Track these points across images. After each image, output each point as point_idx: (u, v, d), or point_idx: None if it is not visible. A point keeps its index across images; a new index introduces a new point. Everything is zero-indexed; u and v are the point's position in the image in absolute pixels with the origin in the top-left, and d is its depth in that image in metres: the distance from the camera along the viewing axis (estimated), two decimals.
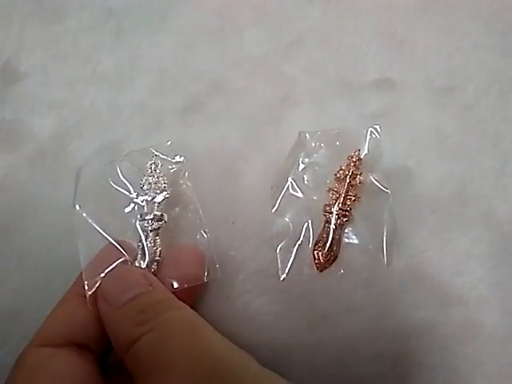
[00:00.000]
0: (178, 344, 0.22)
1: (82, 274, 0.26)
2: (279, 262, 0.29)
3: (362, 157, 0.31)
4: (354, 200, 0.30)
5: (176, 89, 0.36)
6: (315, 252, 0.29)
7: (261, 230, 0.31)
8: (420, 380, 0.28)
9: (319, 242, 0.30)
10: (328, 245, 0.29)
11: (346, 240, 0.30)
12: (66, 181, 0.33)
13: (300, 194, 0.31)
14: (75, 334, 0.25)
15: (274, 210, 0.31)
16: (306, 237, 0.30)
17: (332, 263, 0.29)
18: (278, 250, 0.30)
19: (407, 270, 0.30)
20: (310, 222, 0.30)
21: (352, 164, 0.30)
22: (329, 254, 0.29)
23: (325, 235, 0.30)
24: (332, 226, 0.30)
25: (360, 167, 0.31)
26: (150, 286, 0.25)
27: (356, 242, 0.30)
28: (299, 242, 0.30)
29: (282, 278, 0.29)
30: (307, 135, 0.32)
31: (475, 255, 0.30)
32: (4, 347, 0.29)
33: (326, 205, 0.30)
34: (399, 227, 0.30)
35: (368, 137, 0.31)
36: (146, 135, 0.34)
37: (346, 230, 0.30)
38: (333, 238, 0.29)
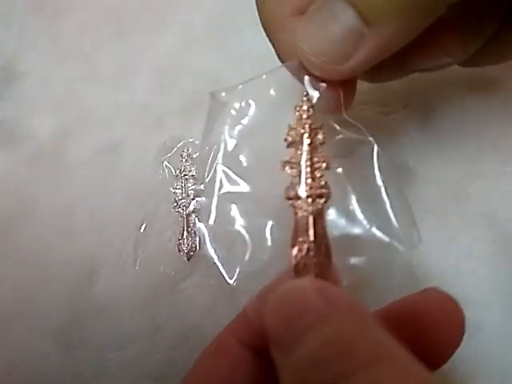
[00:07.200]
0: None
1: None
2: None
3: (314, 102, 0.20)
4: (326, 167, 0.19)
5: (176, 89, 0.36)
6: (300, 267, 0.18)
7: None
8: None
9: (298, 250, 0.19)
10: (313, 246, 0.18)
11: (334, 233, 0.19)
12: (66, 181, 0.33)
13: (242, 187, 0.21)
14: None
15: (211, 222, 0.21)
16: (273, 247, 0.20)
17: (327, 270, 0.19)
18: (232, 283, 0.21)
19: (407, 270, 0.29)
20: (269, 224, 0.21)
21: (305, 116, 0.20)
22: (320, 260, 0.19)
23: (301, 235, 0.19)
24: (310, 219, 0.19)
25: (318, 117, 0.20)
26: (332, 307, 0.14)
27: (350, 228, 0.20)
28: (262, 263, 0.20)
29: None
30: (223, 94, 0.22)
31: (476, 255, 0.30)
32: (3, 345, 0.29)
33: (287, 188, 0.19)
34: None
35: (306, 77, 0.20)
36: (145, 135, 0.34)
37: (328, 217, 0.19)
38: (316, 234, 0.19)
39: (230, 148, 0.21)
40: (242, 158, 0.21)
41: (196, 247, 0.30)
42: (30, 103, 0.36)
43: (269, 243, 0.20)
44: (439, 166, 0.33)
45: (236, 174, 0.21)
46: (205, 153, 0.21)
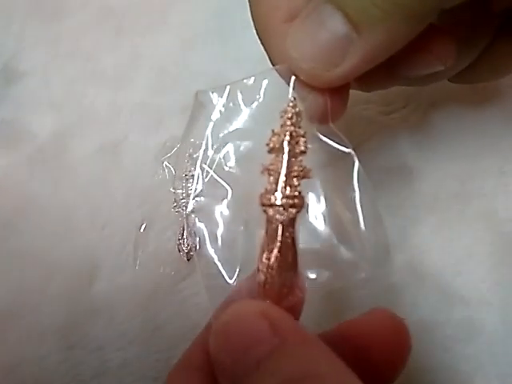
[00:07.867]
0: None
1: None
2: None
3: (301, 109, 0.20)
4: (303, 176, 0.19)
5: (176, 88, 0.36)
6: (262, 278, 0.19)
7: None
8: (420, 380, 0.28)
9: (265, 258, 0.19)
10: (278, 256, 0.18)
11: (301, 245, 0.19)
12: (66, 181, 0.33)
13: (223, 189, 0.21)
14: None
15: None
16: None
17: (292, 280, 0.19)
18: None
19: (407, 270, 0.29)
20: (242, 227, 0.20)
21: (288, 123, 0.19)
22: (285, 269, 0.19)
23: (270, 244, 0.19)
24: (279, 227, 0.18)
25: (302, 125, 0.20)
26: (280, 337, 0.14)
27: (317, 241, 0.20)
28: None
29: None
30: (212, 94, 0.21)
31: (476, 254, 0.30)
32: (3, 345, 0.29)
33: (261, 194, 0.19)
34: (399, 227, 0.30)
35: (293, 78, 0.20)
36: (145, 134, 0.34)
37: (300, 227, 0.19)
38: (282, 244, 0.18)
39: (212, 149, 0.21)
40: (225, 159, 0.21)
41: (196, 247, 0.30)
42: (30, 103, 0.36)
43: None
44: (439, 166, 0.32)
45: (219, 176, 0.21)
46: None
